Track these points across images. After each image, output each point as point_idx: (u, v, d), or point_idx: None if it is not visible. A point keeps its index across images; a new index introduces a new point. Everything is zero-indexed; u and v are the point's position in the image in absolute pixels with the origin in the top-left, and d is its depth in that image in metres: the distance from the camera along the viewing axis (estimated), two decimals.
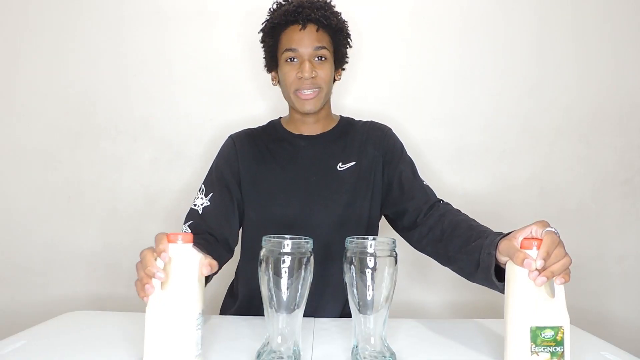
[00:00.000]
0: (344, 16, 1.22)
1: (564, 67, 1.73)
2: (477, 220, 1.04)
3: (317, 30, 1.15)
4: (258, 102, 1.71)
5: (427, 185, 1.20)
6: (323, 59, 1.16)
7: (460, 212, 1.11)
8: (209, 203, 1.17)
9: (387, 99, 1.71)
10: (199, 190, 1.20)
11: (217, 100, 1.71)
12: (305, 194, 1.18)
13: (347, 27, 1.23)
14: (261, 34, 1.23)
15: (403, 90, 1.72)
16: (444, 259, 1.04)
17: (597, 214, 1.73)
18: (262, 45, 1.24)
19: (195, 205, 1.17)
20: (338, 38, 1.20)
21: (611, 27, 1.73)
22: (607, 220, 1.73)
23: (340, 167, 1.20)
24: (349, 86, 1.68)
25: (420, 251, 1.13)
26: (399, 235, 1.21)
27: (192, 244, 0.76)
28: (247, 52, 1.70)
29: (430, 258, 1.10)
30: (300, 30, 1.14)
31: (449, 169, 1.71)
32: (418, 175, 1.22)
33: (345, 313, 1.17)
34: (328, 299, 1.16)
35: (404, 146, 1.27)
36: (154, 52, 1.71)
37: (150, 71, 1.71)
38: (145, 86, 1.71)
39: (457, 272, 1.01)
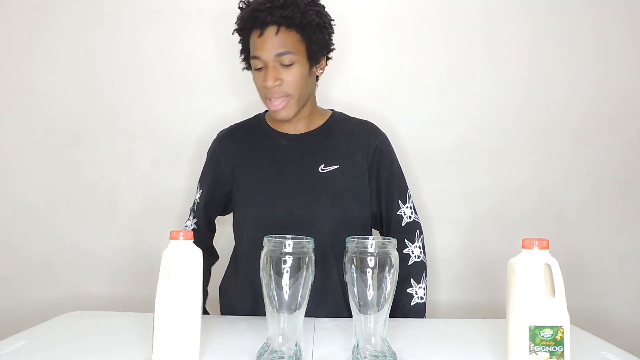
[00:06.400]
0: (337, 9, 1.15)
1: (565, 67, 1.73)
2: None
3: (277, 34, 1.05)
4: (259, 101, 1.70)
5: (400, 215, 1.19)
6: (289, 63, 1.08)
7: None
8: (199, 201, 1.27)
9: (385, 100, 1.71)
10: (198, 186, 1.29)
11: (217, 100, 1.70)
12: (285, 195, 1.14)
13: (322, 15, 1.11)
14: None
15: (402, 91, 1.71)
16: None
17: (597, 214, 1.73)
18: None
19: (196, 199, 1.28)
20: (308, 33, 1.08)
21: (612, 28, 1.73)
22: (607, 220, 1.73)
23: (322, 170, 1.15)
24: (349, 85, 1.68)
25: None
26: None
27: (192, 240, 0.79)
28: None
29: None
30: (259, 37, 1.06)
31: (449, 170, 1.71)
32: (397, 199, 1.20)
33: (328, 313, 1.10)
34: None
35: (395, 156, 1.23)
36: (154, 52, 1.71)
37: (150, 71, 1.71)
38: (145, 86, 1.71)
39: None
